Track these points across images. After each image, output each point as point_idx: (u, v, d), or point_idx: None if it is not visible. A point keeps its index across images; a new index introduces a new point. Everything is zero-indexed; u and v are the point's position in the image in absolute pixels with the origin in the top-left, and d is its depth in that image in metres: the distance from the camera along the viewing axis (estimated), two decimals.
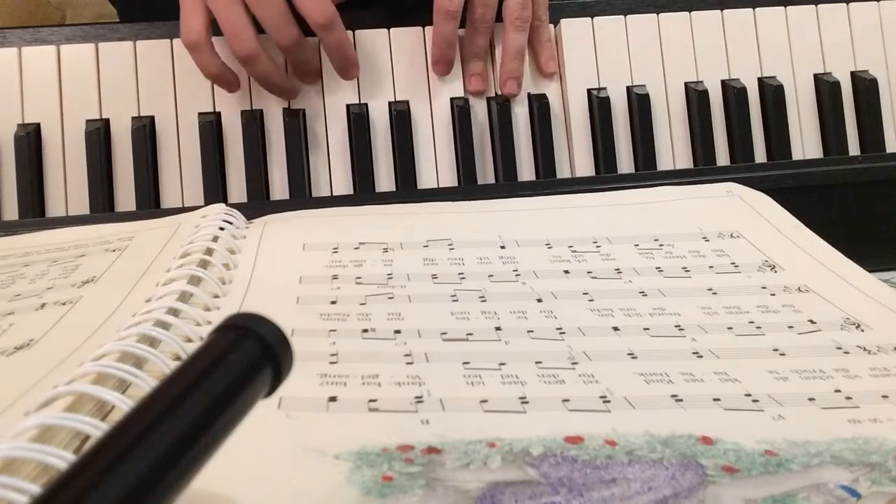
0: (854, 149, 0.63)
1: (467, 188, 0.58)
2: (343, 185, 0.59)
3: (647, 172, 0.60)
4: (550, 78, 0.62)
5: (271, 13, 0.55)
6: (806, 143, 0.63)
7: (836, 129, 0.63)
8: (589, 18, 0.63)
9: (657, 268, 0.40)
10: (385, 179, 0.60)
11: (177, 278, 0.35)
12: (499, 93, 0.62)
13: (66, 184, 0.58)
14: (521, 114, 0.61)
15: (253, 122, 0.59)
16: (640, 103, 0.61)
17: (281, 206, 0.50)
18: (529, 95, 0.61)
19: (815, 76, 0.64)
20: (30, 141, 0.58)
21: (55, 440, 0.22)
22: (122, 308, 0.34)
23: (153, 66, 0.60)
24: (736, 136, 0.62)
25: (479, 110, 0.61)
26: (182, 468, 0.17)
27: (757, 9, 0.64)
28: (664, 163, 0.62)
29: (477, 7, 0.59)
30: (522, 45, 0.61)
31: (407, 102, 0.60)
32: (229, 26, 0.54)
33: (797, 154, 0.63)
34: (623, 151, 0.62)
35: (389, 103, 0.60)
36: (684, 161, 0.62)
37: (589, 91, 0.62)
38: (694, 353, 0.31)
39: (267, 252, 0.41)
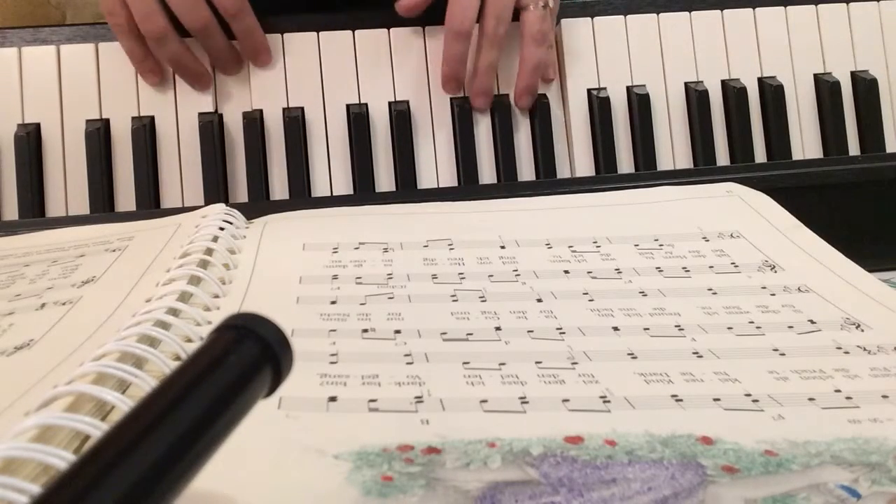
0: (854, 149, 0.63)
1: (467, 188, 0.58)
2: (343, 185, 0.59)
3: (647, 172, 0.60)
4: (548, 84, 0.62)
5: None
6: (806, 143, 0.63)
7: (836, 129, 0.63)
8: (589, 18, 0.63)
9: (657, 268, 0.40)
10: (385, 179, 0.60)
11: (177, 278, 0.35)
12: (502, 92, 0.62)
13: (66, 184, 0.58)
14: (521, 114, 0.61)
15: (253, 122, 0.59)
16: (640, 103, 0.61)
17: (281, 206, 0.50)
18: None
19: (815, 76, 0.64)
20: (30, 141, 0.58)
21: (55, 440, 0.22)
22: (122, 308, 0.34)
23: None
24: (736, 136, 0.62)
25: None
26: (182, 468, 0.17)
27: (757, 9, 0.64)
28: (664, 163, 0.62)
29: (489, 20, 0.58)
30: (542, 59, 0.59)
31: (407, 102, 0.60)
32: (139, 8, 0.55)
33: (797, 154, 0.63)
34: (623, 151, 0.62)
35: (389, 103, 0.60)
36: (684, 161, 0.62)
37: (589, 91, 0.62)
38: (694, 353, 0.31)
39: (267, 252, 0.41)
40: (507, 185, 0.57)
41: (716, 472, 0.24)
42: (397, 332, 0.33)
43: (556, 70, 0.62)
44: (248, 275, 0.38)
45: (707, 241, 0.42)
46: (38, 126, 0.58)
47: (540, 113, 0.60)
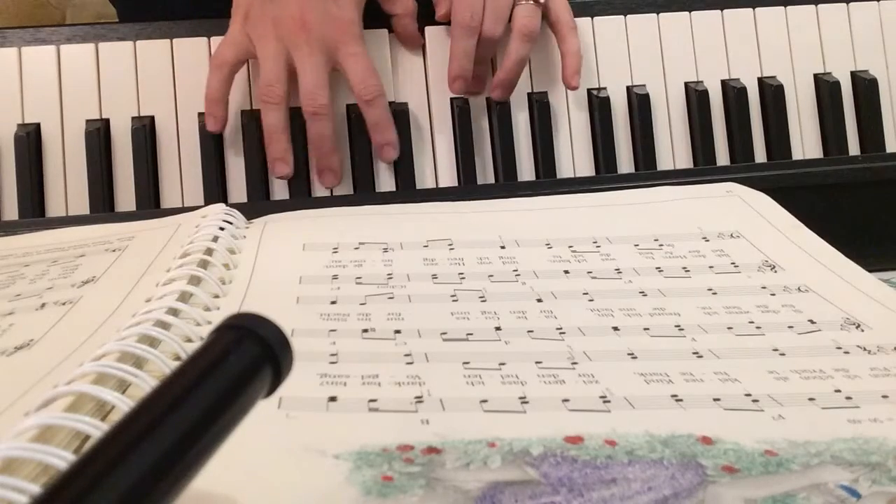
0: (854, 149, 0.63)
1: (467, 188, 0.58)
2: (343, 185, 0.59)
3: (647, 172, 0.60)
4: (573, 91, 0.61)
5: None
6: (806, 143, 0.63)
7: (836, 129, 0.63)
8: (589, 18, 0.63)
9: (657, 268, 0.40)
10: (385, 179, 0.60)
11: (177, 278, 0.35)
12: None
13: (66, 184, 0.58)
14: (520, 114, 0.61)
15: (253, 123, 0.59)
16: (640, 103, 0.61)
17: (281, 206, 0.50)
18: (529, 95, 0.61)
19: (815, 76, 0.64)
20: (30, 141, 0.58)
21: (55, 440, 0.22)
22: (122, 308, 0.34)
23: (153, 66, 0.60)
24: (736, 136, 0.62)
25: (479, 110, 0.61)
26: (182, 468, 0.17)
27: (757, 9, 0.64)
28: (664, 163, 0.62)
29: (488, 18, 0.58)
30: (526, 55, 0.59)
31: (407, 103, 0.60)
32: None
33: (797, 154, 0.63)
34: (623, 151, 0.62)
35: (390, 103, 0.60)
36: (684, 161, 0.62)
37: (589, 91, 0.62)
38: (694, 353, 0.31)
39: (267, 252, 0.41)
40: (507, 185, 0.57)
41: (716, 472, 0.24)
42: (397, 332, 0.33)
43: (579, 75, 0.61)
44: (248, 275, 0.38)
45: (707, 241, 0.42)
46: (38, 126, 0.58)
47: (540, 113, 0.60)
